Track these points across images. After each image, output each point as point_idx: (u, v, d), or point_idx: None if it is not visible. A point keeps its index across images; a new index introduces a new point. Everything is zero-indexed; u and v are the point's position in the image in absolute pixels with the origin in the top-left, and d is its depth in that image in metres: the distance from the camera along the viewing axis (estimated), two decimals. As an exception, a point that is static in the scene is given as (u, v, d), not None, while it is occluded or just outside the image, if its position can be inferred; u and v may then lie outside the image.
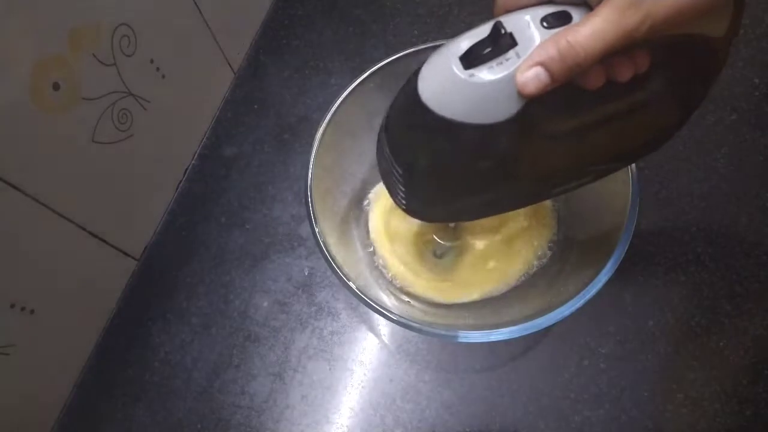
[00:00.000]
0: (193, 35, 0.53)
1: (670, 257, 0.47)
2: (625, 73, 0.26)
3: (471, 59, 0.26)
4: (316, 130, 0.41)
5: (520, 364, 0.45)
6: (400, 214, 0.41)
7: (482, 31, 0.26)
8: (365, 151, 0.47)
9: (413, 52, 0.42)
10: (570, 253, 0.43)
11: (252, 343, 0.48)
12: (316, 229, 0.38)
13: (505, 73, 0.25)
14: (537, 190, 0.33)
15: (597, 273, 0.34)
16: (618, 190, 0.37)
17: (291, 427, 0.45)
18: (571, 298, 0.34)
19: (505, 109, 0.26)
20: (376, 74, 0.42)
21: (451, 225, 0.46)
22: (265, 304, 0.50)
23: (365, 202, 0.48)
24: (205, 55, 0.56)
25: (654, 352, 0.44)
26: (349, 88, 0.42)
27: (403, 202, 0.34)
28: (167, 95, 0.51)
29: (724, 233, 0.48)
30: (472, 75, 0.25)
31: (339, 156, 0.44)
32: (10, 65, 0.36)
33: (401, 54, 0.42)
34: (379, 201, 0.47)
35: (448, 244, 0.46)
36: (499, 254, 0.45)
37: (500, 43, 0.25)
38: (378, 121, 0.46)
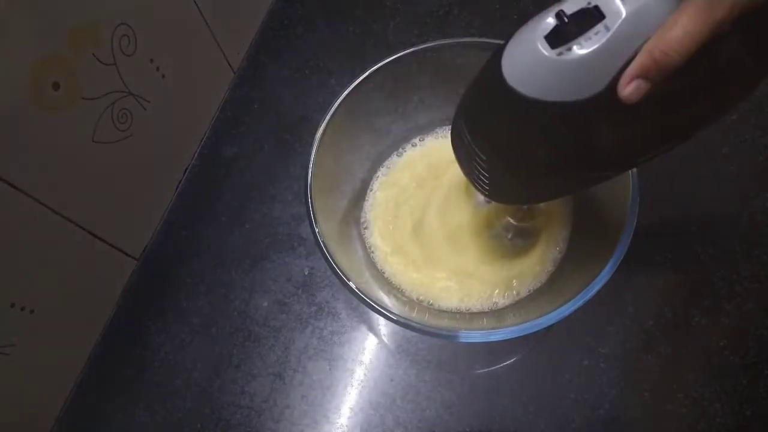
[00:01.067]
0: (193, 35, 0.53)
1: (670, 257, 0.47)
2: None
3: (558, 37, 0.25)
4: (316, 130, 0.41)
5: (520, 364, 0.45)
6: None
7: (564, 6, 0.26)
8: (365, 151, 0.48)
9: (413, 52, 0.42)
10: (571, 253, 0.43)
11: (252, 343, 0.48)
12: (316, 229, 0.38)
13: (595, 47, 0.25)
14: (624, 161, 0.32)
15: (597, 273, 0.34)
16: (618, 190, 0.37)
17: (291, 427, 0.45)
18: (571, 298, 0.34)
19: (595, 84, 0.26)
20: (376, 74, 0.42)
21: (524, 207, 0.45)
22: (265, 304, 0.50)
23: (362, 223, 0.47)
24: (205, 55, 0.56)
25: (654, 352, 0.44)
26: (349, 88, 0.42)
27: (486, 187, 0.34)
28: (167, 95, 0.51)
29: (724, 233, 0.48)
30: (561, 53, 0.25)
31: (339, 156, 0.44)
32: (10, 65, 0.36)
33: (401, 54, 0.42)
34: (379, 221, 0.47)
35: (524, 224, 0.45)
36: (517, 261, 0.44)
37: (587, 17, 0.25)
38: (378, 121, 0.47)
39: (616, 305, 0.46)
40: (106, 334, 0.51)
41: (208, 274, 0.52)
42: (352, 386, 0.46)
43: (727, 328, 0.44)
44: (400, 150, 0.49)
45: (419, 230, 0.46)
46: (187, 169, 0.57)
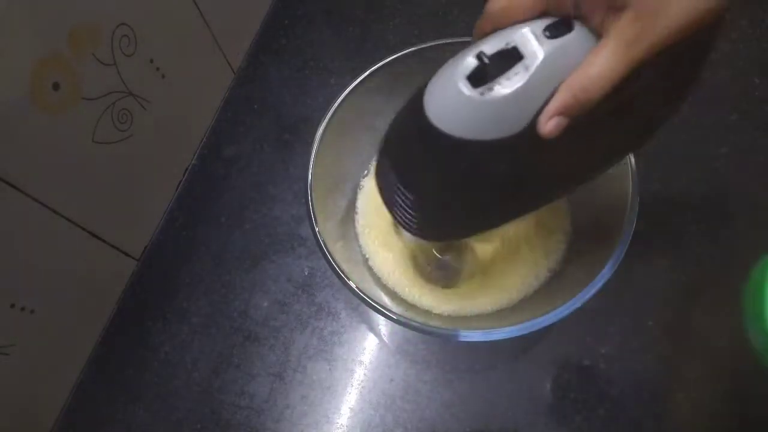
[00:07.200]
0: (193, 35, 0.53)
1: (670, 257, 0.47)
2: None
3: (479, 77, 0.26)
4: (316, 130, 0.41)
5: (520, 364, 0.45)
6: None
7: (484, 47, 0.26)
8: (365, 151, 0.48)
9: (413, 51, 0.42)
10: (571, 253, 0.43)
11: (252, 343, 0.48)
12: (316, 229, 0.38)
13: (516, 87, 0.25)
14: (548, 192, 0.33)
15: (597, 273, 0.34)
16: (618, 190, 0.37)
17: (291, 427, 0.45)
18: (571, 298, 0.34)
19: (517, 122, 0.26)
20: (376, 74, 0.42)
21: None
22: (265, 304, 0.50)
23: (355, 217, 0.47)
24: (205, 55, 0.56)
25: (654, 352, 0.44)
26: (349, 88, 0.42)
27: (414, 226, 0.34)
28: (167, 95, 0.51)
29: (724, 233, 0.48)
30: (482, 93, 0.25)
31: (339, 156, 0.44)
32: (10, 65, 0.36)
33: (401, 54, 0.42)
34: (369, 212, 0.47)
35: (446, 257, 0.46)
36: (508, 265, 0.44)
37: (507, 58, 0.25)
38: (378, 121, 0.46)
39: (616, 305, 0.46)
40: (106, 334, 0.51)
41: (208, 274, 0.52)
42: (352, 386, 0.46)
43: (727, 328, 0.44)
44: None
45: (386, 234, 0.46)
46: (187, 169, 0.57)
